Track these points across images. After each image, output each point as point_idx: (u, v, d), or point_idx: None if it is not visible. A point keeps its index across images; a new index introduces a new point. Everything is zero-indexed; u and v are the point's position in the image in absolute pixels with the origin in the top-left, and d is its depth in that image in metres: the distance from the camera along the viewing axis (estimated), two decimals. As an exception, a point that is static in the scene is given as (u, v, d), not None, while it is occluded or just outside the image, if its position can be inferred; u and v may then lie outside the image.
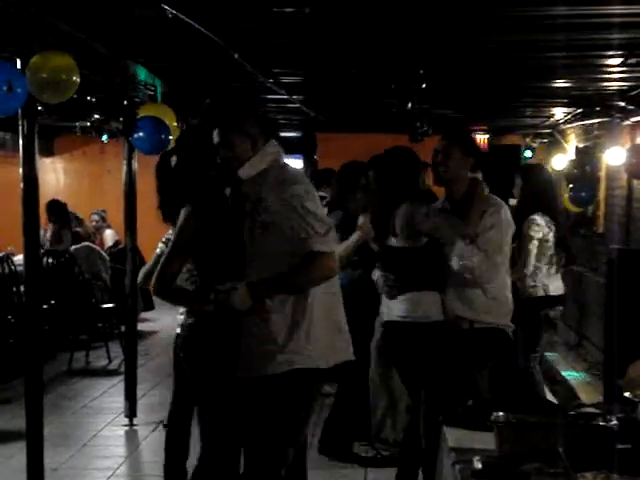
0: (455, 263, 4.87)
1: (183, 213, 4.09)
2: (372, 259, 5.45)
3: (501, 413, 3.33)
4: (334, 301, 4.08)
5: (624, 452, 3.11)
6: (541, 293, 6.77)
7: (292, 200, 3.84)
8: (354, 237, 5.81)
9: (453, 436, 3.55)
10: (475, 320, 4.92)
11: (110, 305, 10.37)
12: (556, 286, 6.86)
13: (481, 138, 13.87)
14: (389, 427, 6.39)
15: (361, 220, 5.70)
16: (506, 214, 4.99)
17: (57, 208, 11.15)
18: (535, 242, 6.69)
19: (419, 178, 5.26)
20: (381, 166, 5.25)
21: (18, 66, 5.42)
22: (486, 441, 3.32)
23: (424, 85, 8.15)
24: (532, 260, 6.69)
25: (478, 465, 3.09)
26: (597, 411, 3.56)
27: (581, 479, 2.94)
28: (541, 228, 6.71)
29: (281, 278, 3.90)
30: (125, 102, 7.21)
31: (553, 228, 6.76)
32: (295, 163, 16.75)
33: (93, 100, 6.98)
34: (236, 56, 6.83)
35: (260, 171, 3.95)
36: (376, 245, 5.43)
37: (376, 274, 5.23)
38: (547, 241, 6.74)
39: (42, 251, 9.69)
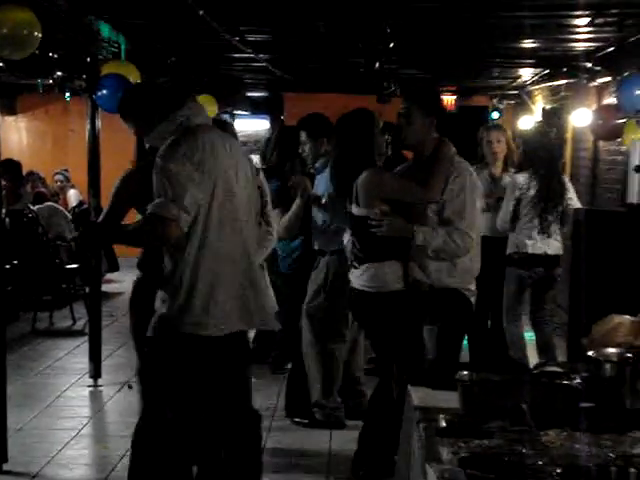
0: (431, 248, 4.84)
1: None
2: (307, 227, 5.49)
3: (465, 372, 3.34)
4: (238, 270, 3.90)
5: (587, 410, 3.13)
6: (515, 250, 6.89)
7: (158, 159, 3.78)
8: (295, 204, 5.78)
9: (418, 395, 3.55)
10: (434, 283, 4.93)
11: (74, 266, 10.28)
12: (535, 246, 6.88)
13: (449, 99, 13.84)
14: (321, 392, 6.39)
15: (294, 179, 5.68)
16: (471, 177, 4.91)
17: (11, 166, 10.99)
18: (511, 201, 6.81)
19: (377, 142, 5.07)
20: (341, 129, 5.18)
21: (-22, 21, 5.31)
22: (450, 400, 3.33)
23: (391, 44, 8.10)
24: (505, 217, 6.83)
25: (442, 423, 3.10)
26: (561, 370, 3.58)
27: (544, 437, 2.95)
28: (518, 185, 6.83)
29: (122, 229, 4.05)
30: (88, 59, 7.10)
31: (534, 188, 6.81)
32: (261, 123, 16.66)
33: (55, 57, 6.86)
34: (201, 13, 6.74)
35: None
36: (316, 205, 5.46)
37: (346, 238, 5.20)
38: (522, 200, 6.81)
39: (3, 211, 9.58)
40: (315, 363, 6.29)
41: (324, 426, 6.27)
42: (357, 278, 4.99)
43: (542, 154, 6.90)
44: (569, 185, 7.11)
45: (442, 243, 4.77)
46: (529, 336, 7.40)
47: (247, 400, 4.20)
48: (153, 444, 4.06)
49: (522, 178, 6.86)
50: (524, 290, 7.07)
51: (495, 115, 13.87)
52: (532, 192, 6.83)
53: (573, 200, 7.03)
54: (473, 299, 5.06)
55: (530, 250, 6.88)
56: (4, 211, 9.59)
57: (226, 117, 10.81)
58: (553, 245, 6.95)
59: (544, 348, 7.19)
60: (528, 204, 6.83)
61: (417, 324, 4.95)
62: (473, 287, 5.05)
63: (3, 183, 10.90)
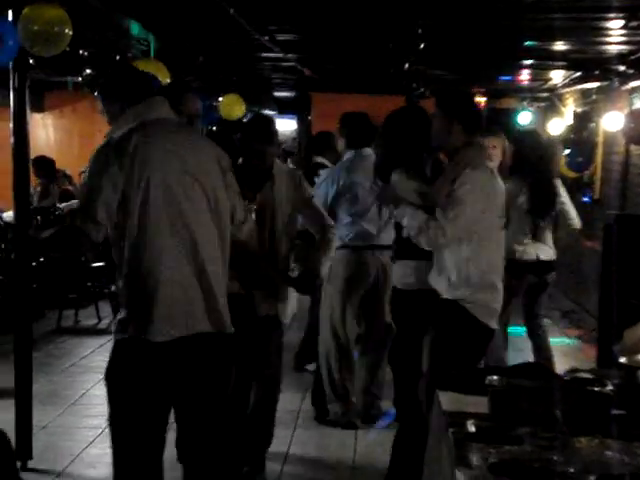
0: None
1: None
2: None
3: (495, 377, 3.29)
4: (183, 271, 3.60)
5: (619, 418, 3.09)
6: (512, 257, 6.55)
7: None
8: None
9: (446, 400, 3.51)
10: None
11: (100, 264, 10.30)
12: (524, 251, 6.70)
13: (478, 101, 13.76)
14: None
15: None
16: (476, 185, 4.57)
17: (45, 164, 11.11)
18: None
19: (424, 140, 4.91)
20: (390, 126, 5.06)
21: (9, 18, 5.33)
22: (480, 405, 3.29)
23: (422, 45, 8.06)
24: None
25: (472, 429, 3.06)
26: (592, 376, 3.53)
27: (576, 444, 2.91)
28: (509, 189, 6.64)
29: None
30: (117, 57, 7.12)
31: (524, 194, 6.65)
32: (288, 123, 16.65)
33: (85, 54, 6.88)
34: (231, 12, 6.72)
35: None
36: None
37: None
38: (512, 207, 6.43)
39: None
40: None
41: (335, 425, 6.37)
42: (394, 275, 5.02)
43: (532, 158, 6.71)
44: (561, 189, 6.92)
45: (417, 227, 4.59)
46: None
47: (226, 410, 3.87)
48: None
49: (511, 185, 6.47)
50: (510, 298, 6.60)
51: (527, 117, 13.66)
52: (522, 198, 6.65)
53: (566, 204, 6.88)
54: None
55: (521, 256, 6.68)
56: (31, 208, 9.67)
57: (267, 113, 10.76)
58: (545, 251, 6.79)
59: (542, 356, 7.03)
60: (518, 210, 6.59)
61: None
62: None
63: (38, 180, 11.09)
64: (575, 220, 6.93)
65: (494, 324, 4.70)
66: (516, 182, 6.63)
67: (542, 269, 6.84)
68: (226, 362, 3.78)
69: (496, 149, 6.74)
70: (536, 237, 6.75)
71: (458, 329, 4.63)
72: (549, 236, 6.82)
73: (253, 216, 3.96)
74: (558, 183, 6.98)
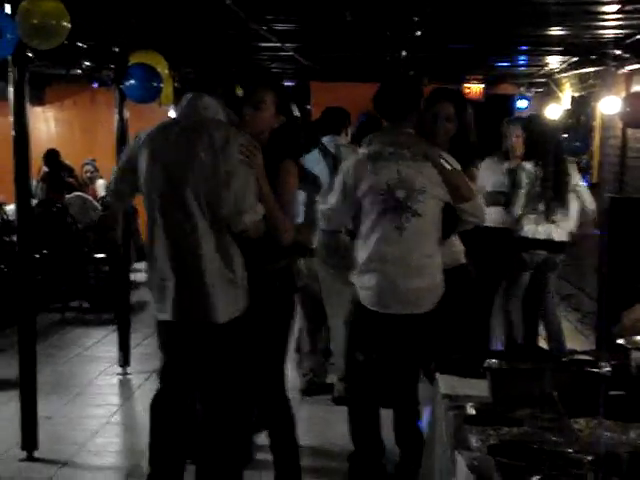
0: None
1: None
2: None
3: (494, 360, 3.34)
4: (171, 262, 4.03)
5: (617, 398, 3.12)
6: (521, 235, 7.00)
7: None
8: None
9: (446, 383, 3.55)
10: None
11: (103, 255, 10.34)
12: (536, 230, 6.96)
13: (476, 87, 13.76)
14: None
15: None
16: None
17: (52, 156, 11.28)
18: (523, 188, 6.91)
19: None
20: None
21: (8, 11, 5.34)
22: (479, 387, 3.33)
23: (419, 33, 8.07)
24: (521, 203, 6.93)
25: (472, 411, 3.10)
26: (590, 358, 3.57)
27: (575, 425, 2.95)
28: (528, 174, 6.92)
29: None
30: (116, 49, 7.13)
31: (540, 175, 6.91)
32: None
33: (84, 47, 6.89)
34: (228, 2, 6.73)
35: None
36: None
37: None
38: (533, 187, 6.90)
39: (36, 201, 9.68)
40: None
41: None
42: None
43: (542, 143, 6.98)
44: (574, 172, 7.16)
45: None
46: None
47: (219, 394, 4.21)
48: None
49: (529, 166, 6.96)
50: (521, 272, 7.15)
51: (523, 103, 13.76)
52: (538, 181, 6.92)
53: (580, 187, 7.13)
54: None
55: (534, 235, 6.97)
56: (36, 201, 9.72)
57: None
58: (558, 231, 7.01)
59: (554, 337, 7.21)
60: (533, 191, 6.91)
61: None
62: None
63: (44, 170, 11.19)
64: (589, 202, 7.14)
65: None
66: (532, 164, 6.94)
67: (552, 248, 7.03)
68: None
69: (519, 138, 7.22)
70: (548, 217, 6.96)
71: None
72: (562, 217, 7.00)
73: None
74: (572, 167, 7.19)
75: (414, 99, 4.87)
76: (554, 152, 6.99)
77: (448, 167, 4.67)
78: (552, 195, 6.94)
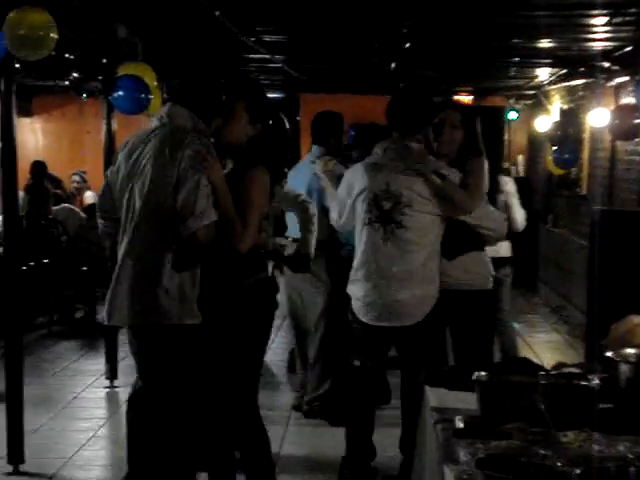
0: None
1: None
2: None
3: (483, 373, 3.31)
4: (122, 265, 4.11)
5: (606, 412, 3.10)
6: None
7: None
8: None
9: (435, 396, 3.53)
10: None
11: (86, 268, 10.27)
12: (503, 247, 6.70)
13: (465, 99, 13.78)
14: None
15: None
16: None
17: (38, 168, 11.27)
18: None
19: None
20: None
21: (-5, 23, 5.33)
22: (468, 401, 3.31)
23: (408, 44, 8.08)
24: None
25: (460, 424, 3.08)
26: (579, 371, 3.55)
27: (563, 438, 2.93)
28: None
29: None
30: (104, 60, 7.11)
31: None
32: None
33: (72, 58, 6.86)
34: (217, 14, 6.73)
35: None
36: None
37: None
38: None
39: (23, 213, 9.63)
40: None
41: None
42: None
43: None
44: (508, 185, 6.79)
45: None
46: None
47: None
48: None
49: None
50: None
51: (513, 115, 13.81)
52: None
53: (512, 202, 6.74)
54: None
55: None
56: (23, 213, 9.67)
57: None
58: (502, 247, 6.62)
59: (509, 351, 7.05)
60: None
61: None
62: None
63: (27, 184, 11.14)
64: (517, 221, 6.75)
65: None
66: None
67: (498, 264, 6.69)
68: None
69: None
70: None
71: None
72: None
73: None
74: (505, 180, 6.85)
75: (428, 114, 4.91)
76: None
77: (438, 182, 4.67)
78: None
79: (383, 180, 4.73)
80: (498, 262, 6.69)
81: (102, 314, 4.31)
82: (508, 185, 6.84)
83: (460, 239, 4.85)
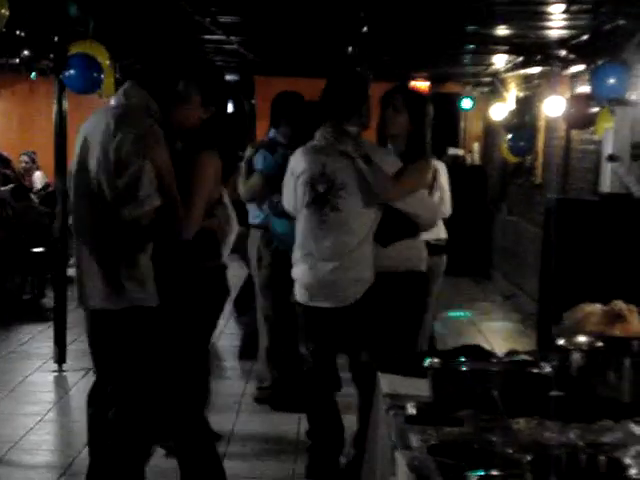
0: None
1: None
2: None
3: (435, 359, 3.29)
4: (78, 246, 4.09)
5: (557, 399, 3.10)
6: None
7: None
8: None
9: (387, 382, 3.51)
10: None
11: (40, 249, 10.14)
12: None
13: (422, 85, 13.76)
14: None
15: None
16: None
17: None
18: None
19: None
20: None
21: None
22: (420, 387, 3.29)
23: (365, 29, 8.03)
24: None
25: (412, 411, 3.06)
26: (531, 358, 3.55)
27: (514, 425, 2.92)
28: None
29: None
30: (56, 38, 6.99)
31: None
32: (231, 106, 16.54)
33: (22, 35, 6.74)
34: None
35: None
36: None
37: None
38: None
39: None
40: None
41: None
42: None
43: None
44: (441, 172, 6.39)
45: None
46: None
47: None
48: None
49: None
50: None
51: (468, 103, 13.78)
52: None
53: (443, 191, 6.40)
54: None
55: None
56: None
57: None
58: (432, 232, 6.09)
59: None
60: None
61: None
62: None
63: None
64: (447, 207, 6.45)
65: None
66: None
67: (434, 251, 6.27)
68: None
69: None
70: None
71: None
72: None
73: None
74: (439, 166, 6.41)
75: (358, 100, 4.93)
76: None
77: (363, 166, 4.67)
78: None
79: (319, 163, 4.79)
80: (434, 248, 6.69)
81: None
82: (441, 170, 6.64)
83: (394, 226, 4.85)
